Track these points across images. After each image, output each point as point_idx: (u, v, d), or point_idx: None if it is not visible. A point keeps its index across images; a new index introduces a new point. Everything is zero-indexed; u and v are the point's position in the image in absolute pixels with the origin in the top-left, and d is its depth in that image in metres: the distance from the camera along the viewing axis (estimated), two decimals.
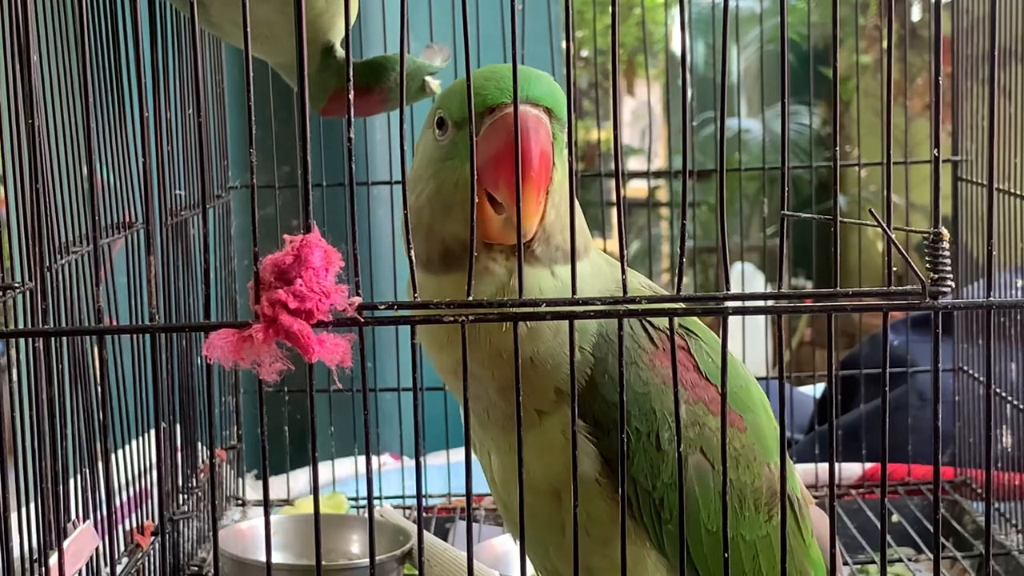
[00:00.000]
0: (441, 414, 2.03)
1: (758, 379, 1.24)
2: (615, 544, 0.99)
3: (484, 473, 1.21)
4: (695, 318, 1.14)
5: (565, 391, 1.07)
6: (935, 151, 0.94)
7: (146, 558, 1.54)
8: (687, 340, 1.13)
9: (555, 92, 1.05)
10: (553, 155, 1.03)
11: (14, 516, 1.10)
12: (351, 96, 0.92)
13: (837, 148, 0.95)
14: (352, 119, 0.91)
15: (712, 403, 1.11)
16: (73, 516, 1.32)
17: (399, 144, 0.94)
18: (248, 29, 0.90)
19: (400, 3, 0.92)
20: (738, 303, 0.97)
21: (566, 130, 1.03)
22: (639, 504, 1.09)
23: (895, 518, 1.98)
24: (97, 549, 1.32)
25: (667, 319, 1.00)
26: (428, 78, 1.64)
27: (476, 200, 0.95)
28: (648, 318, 1.09)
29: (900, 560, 1.83)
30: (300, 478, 2.17)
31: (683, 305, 0.98)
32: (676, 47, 3.78)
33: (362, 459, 2.08)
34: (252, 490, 2.12)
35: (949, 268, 0.92)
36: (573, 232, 0.95)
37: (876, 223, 0.92)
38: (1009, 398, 1.83)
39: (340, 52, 1.56)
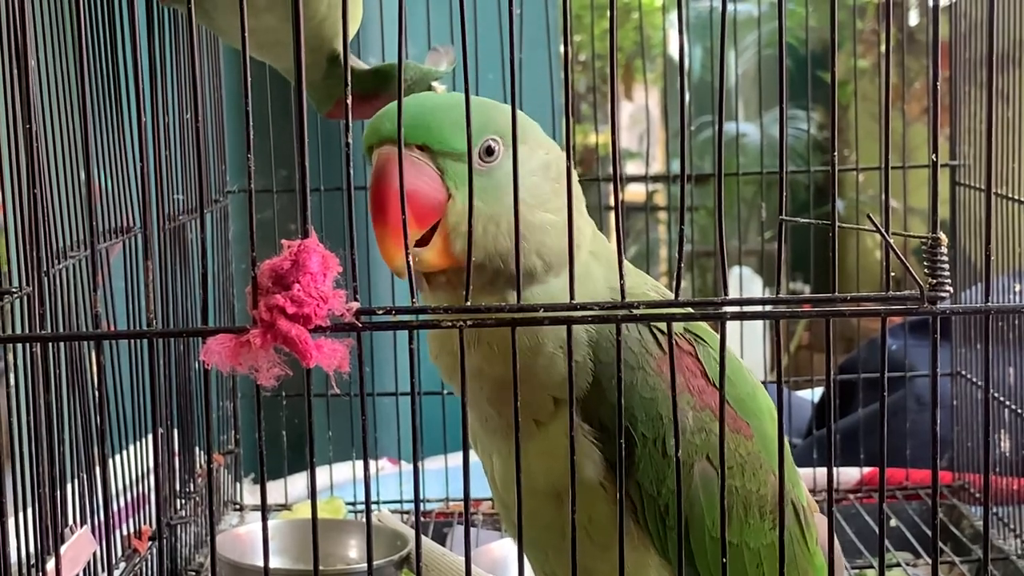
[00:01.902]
0: (439, 418, 2.03)
1: None
2: (617, 548, 0.99)
3: (484, 472, 1.20)
4: (704, 324, 1.13)
5: (565, 400, 1.07)
6: (933, 156, 0.95)
7: (144, 563, 1.54)
8: (695, 346, 1.11)
9: (437, 125, 1.02)
10: (447, 187, 1.01)
11: (11, 521, 1.09)
12: (349, 102, 0.92)
13: (835, 152, 0.95)
14: (351, 124, 0.91)
15: (719, 410, 1.10)
16: (71, 521, 1.31)
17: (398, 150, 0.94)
18: (246, 35, 0.90)
19: (398, 9, 0.92)
20: (736, 308, 0.97)
21: (459, 159, 1.01)
22: (644, 510, 1.09)
23: (893, 523, 1.98)
24: (94, 554, 1.32)
25: (674, 325, 0.99)
26: (435, 83, 1.65)
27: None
28: (656, 324, 1.08)
29: (898, 565, 1.83)
30: (298, 483, 2.17)
31: (681, 310, 0.98)
32: (674, 51, 3.78)
33: (360, 463, 2.08)
34: (250, 495, 2.12)
35: (947, 273, 0.92)
36: (572, 240, 0.94)
37: (874, 228, 0.92)
38: (1007, 403, 1.83)
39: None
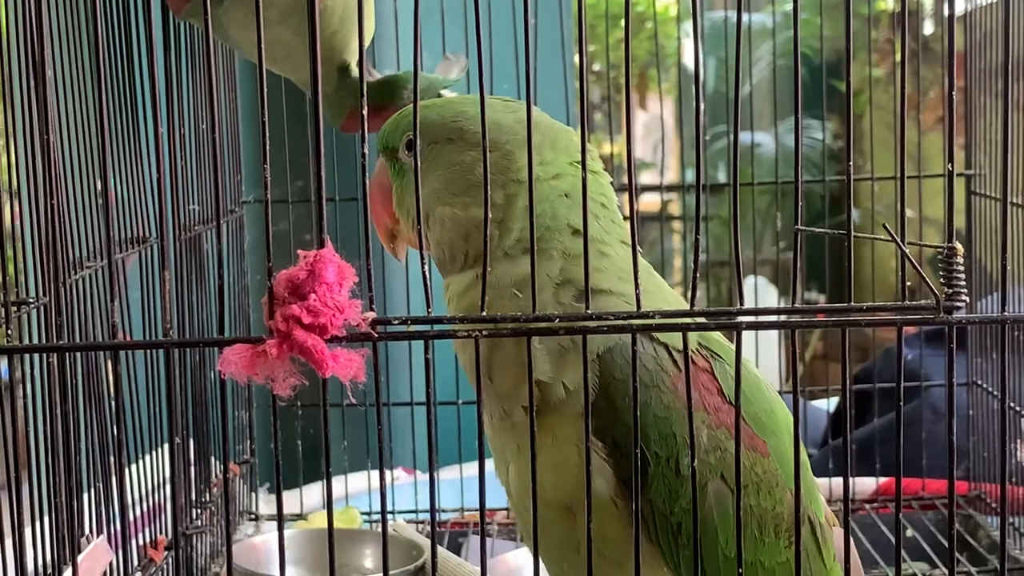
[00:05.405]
0: (454, 428, 2.03)
1: None
2: (630, 566, 0.98)
3: (500, 481, 1.20)
4: (720, 339, 1.13)
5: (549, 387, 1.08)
6: (949, 165, 0.94)
7: (159, 573, 1.54)
8: (712, 363, 1.10)
9: (390, 127, 1.15)
10: (393, 184, 1.14)
11: (28, 530, 1.10)
12: (365, 112, 0.92)
13: (850, 162, 0.95)
14: (367, 135, 0.91)
15: (735, 428, 1.08)
16: (87, 531, 1.32)
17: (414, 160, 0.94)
18: (263, 48, 0.91)
19: (414, 21, 0.93)
20: (751, 317, 0.96)
21: (392, 155, 1.14)
22: (656, 528, 1.07)
23: (909, 533, 1.97)
24: (111, 564, 1.32)
25: (690, 340, 0.99)
26: (443, 91, 1.65)
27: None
28: (671, 342, 1.07)
29: (914, 575, 1.82)
30: (313, 492, 2.17)
31: (696, 320, 0.98)
32: (688, 61, 3.78)
33: (375, 473, 2.08)
34: (265, 504, 2.12)
35: (963, 282, 0.92)
36: (585, 235, 0.95)
37: (890, 238, 0.92)
38: None
39: (356, 71, 1.58)
